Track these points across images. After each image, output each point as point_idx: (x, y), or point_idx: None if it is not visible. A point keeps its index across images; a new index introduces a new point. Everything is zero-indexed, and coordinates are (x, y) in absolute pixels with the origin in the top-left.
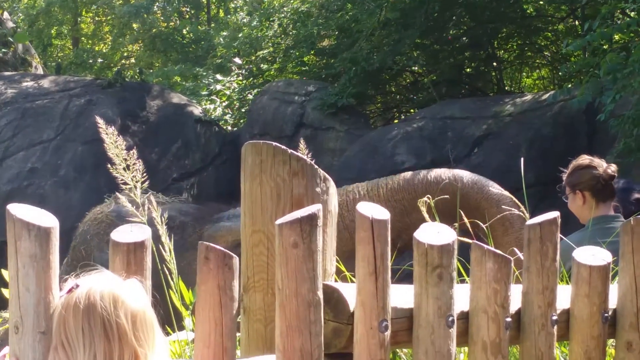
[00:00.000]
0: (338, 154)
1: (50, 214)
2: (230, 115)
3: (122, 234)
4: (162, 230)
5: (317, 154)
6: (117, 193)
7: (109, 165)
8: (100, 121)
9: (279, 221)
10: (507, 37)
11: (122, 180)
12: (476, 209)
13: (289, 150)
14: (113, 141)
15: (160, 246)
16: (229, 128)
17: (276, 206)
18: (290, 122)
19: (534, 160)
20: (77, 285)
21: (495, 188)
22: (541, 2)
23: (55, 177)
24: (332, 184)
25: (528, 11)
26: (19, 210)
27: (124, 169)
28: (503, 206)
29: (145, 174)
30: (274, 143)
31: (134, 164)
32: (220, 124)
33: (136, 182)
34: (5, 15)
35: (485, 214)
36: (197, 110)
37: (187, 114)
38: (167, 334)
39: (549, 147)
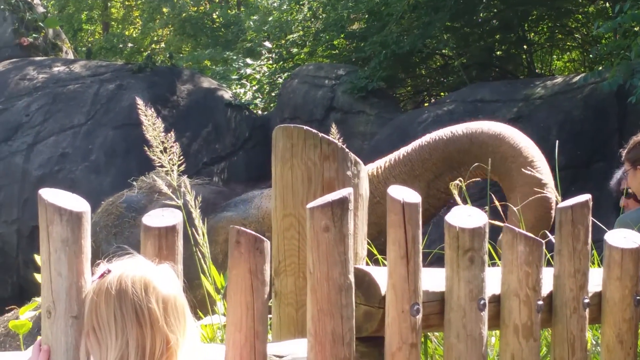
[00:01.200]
0: (368, 138)
1: (81, 198)
2: (260, 99)
3: (154, 218)
4: (196, 213)
5: (348, 137)
6: (142, 177)
7: (145, 148)
8: (139, 102)
9: (310, 205)
10: (538, 19)
11: (158, 162)
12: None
13: (320, 134)
14: (151, 123)
15: (193, 230)
16: (259, 112)
17: (307, 190)
18: (321, 106)
19: (565, 143)
20: (109, 271)
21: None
22: None
23: (86, 162)
24: (363, 168)
25: None
26: (51, 194)
27: (161, 151)
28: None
29: (182, 157)
30: (305, 127)
31: (171, 147)
32: (251, 108)
33: (173, 165)
34: (36, 0)
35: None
36: (227, 95)
37: (217, 98)
38: (199, 318)
39: (580, 129)
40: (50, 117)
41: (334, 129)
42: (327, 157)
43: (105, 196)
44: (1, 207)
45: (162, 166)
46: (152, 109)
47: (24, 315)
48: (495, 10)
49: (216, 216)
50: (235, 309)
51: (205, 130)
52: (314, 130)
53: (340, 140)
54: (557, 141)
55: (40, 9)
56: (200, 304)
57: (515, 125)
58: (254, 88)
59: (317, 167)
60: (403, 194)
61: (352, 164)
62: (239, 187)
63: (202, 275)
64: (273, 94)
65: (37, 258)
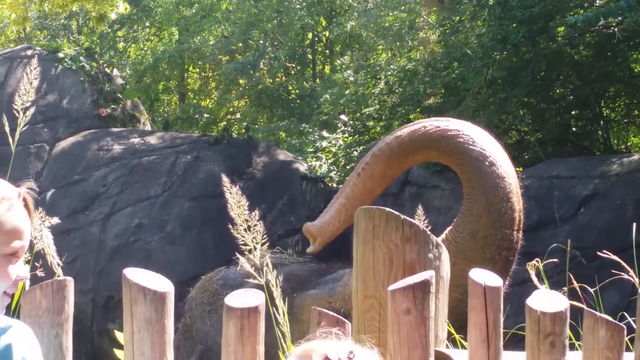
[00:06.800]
0: (443, 212)
1: (165, 278)
2: (335, 172)
3: (236, 299)
4: (277, 292)
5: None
6: (237, 254)
7: (229, 226)
8: (225, 179)
9: (391, 287)
10: (614, 96)
11: (242, 241)
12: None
13: (402, 216)
14: (236, 201)
15: (274, 309)
16: (334, 185)
17: (388, 272)
18: (396, 180)
19: None
20: (352, 354)
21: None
22: None
23: (161, 233)
24: (444, 250)
25: (636, 70)
26: (135, 274)
27: (244, 229)
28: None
29: (265, 236)
30: (387, 209)
31: (254, 225)
32: (326, 180)
33: (256, 243)
34: (115, 72)
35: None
36: (302, 167)
37: (292, 170)
38: None
39: None
40: (127, 188)
41: (420, 210)
42: (409, 239)
43: (180, 267)
44: (77, 276)
45: (245, 244)
46: (236, 186)
47: None
48: (571, 87)
49: (302, 294)
50: None
51: (280, 203)
52: (396, 212)
53: (426, 221)
54: (634, 224)
55: (119, 80)
56: None
57: (591, 202)
58: (329, 161)
59: (399, 249)
60: (484, 277)
61: (433, 246)
62: (337, 264)
63: (281, 355)
64: (348, 167)
65: (119, 335)
